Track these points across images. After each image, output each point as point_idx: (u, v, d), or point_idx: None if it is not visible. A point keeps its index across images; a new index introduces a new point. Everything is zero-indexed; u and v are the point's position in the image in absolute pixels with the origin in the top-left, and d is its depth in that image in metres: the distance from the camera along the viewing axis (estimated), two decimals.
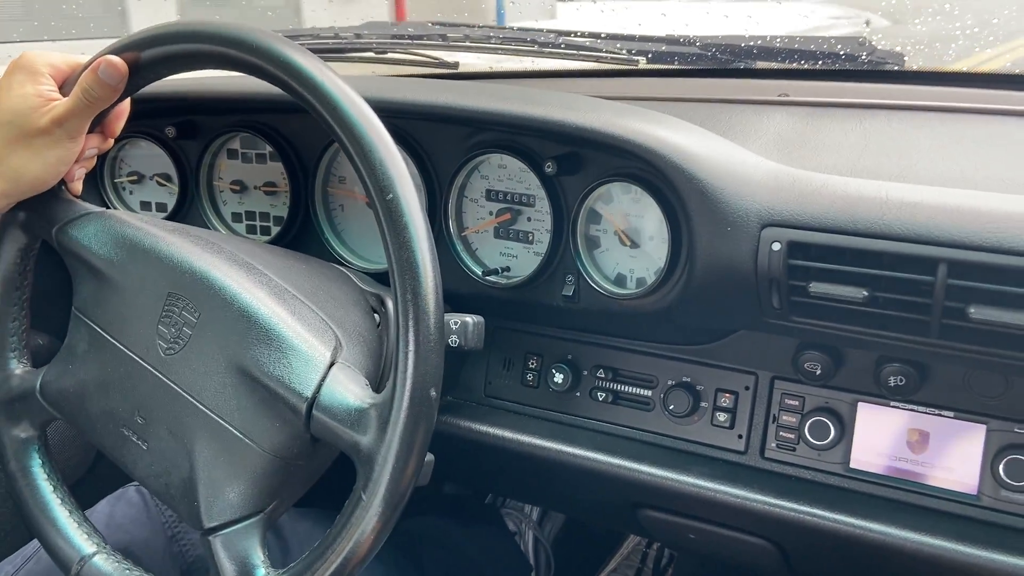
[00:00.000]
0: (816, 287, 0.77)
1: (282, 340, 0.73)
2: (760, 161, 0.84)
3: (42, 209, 0.82)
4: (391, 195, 0.66)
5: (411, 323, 0.66)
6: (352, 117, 0.68)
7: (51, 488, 0.84)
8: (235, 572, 0.73)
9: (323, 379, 0.72)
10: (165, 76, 0.78)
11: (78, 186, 0.84)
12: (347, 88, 0.69)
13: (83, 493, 0.90)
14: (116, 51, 0.75)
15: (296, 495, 0.79)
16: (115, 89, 0.75)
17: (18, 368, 0.85)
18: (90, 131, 0.78)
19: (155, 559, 0.95)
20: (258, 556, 0.73)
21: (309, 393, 0.71)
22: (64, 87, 0.77)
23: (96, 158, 0.83)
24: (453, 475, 0.76)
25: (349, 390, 0.71)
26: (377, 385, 0.86)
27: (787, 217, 0.78)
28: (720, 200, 0.80)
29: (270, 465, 0.73)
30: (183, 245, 0.79)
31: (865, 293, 0.75)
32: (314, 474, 0.80)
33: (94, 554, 0.81)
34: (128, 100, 0.81)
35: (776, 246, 0.78)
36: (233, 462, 0.74)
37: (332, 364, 0.73)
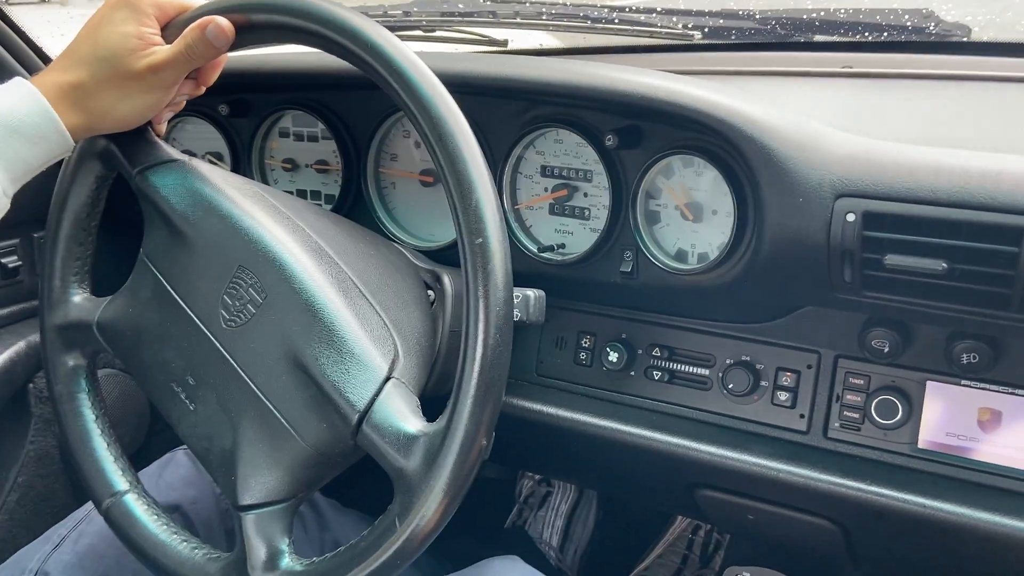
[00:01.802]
0: (892, 259, 0.75)
1: (343, 343, 0.73)
2: (832, 131, 0.81)
3: (125, 145, 0.81)
4: (480, 239, 0.66)
5: (475, 370, 0.65)
6: (459, 151, 0.67)
7: (93, 417, 0.84)
8: (264, 553, 0.73)
9: (377, 394, 0.71)
10: (264, 45, 0.77)
11: (163, 127, 0.82)
12: (460, 116, 0.68)
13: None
14: (224, 10, 0.73)
15: (322, 484, 0.79)
16: (219, 50, 0.74)
17: (78, 295, 0.85)
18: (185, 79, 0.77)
19: (202, 516, 0.96)
20: (284, 541, 0.74)
21: (362, 406, 0.71)
22: (167, 29, 0.75)
23: (185, 102, 0.82)
24: (502, 454, 0.75)
25: (401, 413, 0.71)
26: (428, 383, 0.85)
27: (863, 187, 0.76)
28: (792, 171, 0.78)
29: (310, 458, 0.74)
30: (260, 218, 0.78)
31: (944, 265, 0.73)
32: (344, 468, 0.80)
33: (126, 492, 0.81)
34: (226, 53, 0.78)
35: (851, 217, 0.76)
36: (275, 447, 0.74)
37: (388, 379, 0.73)
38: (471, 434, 0.65)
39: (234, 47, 0.75)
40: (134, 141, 0.80)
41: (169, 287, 0.79)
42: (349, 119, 1.09)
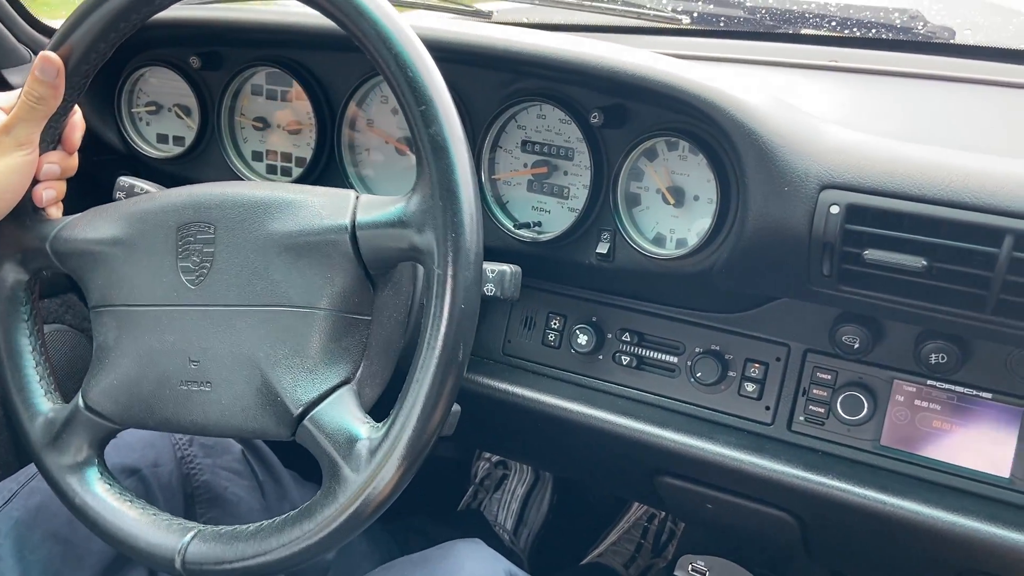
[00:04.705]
0: (872, 254, 0.75)
1: (302, 202, 0.73)
2: (821, 122, 0.81)
3: (25, 240, 0.80)
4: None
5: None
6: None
7: (122, 501, 0.78)
8: (333, 446, 0.69)
9: (355, 208, 0.71)
10: (109, 51, 0.76)
11: (56, 211, 0.82)
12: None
13: None
14: (53, 45, 0.74)
15: (381, 368, 0.76)
16: (54, 85, 0.73)
17: (51, 406, 0.81)
18: (50, 148, 0.77)
19: (163, 480, 0.92)
20: (356, 419, 0.70)
21: (347, 221, 0.71)
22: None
23: (66, 181, 0.81)
24: (463, 432, 0.73)
25: (384, 205, 0.71)
26: (404, 334, 0.83)
27: (849, 179, 0.75)
28: (780, 158, 0.77)
29: (336, 324, 0.71)
30: (176, 190, 0.78)
31: (924, 262, 0.73)
32: (390, 341, 0.77)
33: (192, 539, 0.74)
34: (79, 111, 0.79)
35: (835, 209, 0.75)
36: (299, 338, 0.71)
37: (357, 197, 0.73)
38: (462, 179, 0.66)
39: (82, 73, 0.75)
40: (33, 228, 0.80)
41: (129, 307, 0.77)
42: (326, 80, 1.06)
